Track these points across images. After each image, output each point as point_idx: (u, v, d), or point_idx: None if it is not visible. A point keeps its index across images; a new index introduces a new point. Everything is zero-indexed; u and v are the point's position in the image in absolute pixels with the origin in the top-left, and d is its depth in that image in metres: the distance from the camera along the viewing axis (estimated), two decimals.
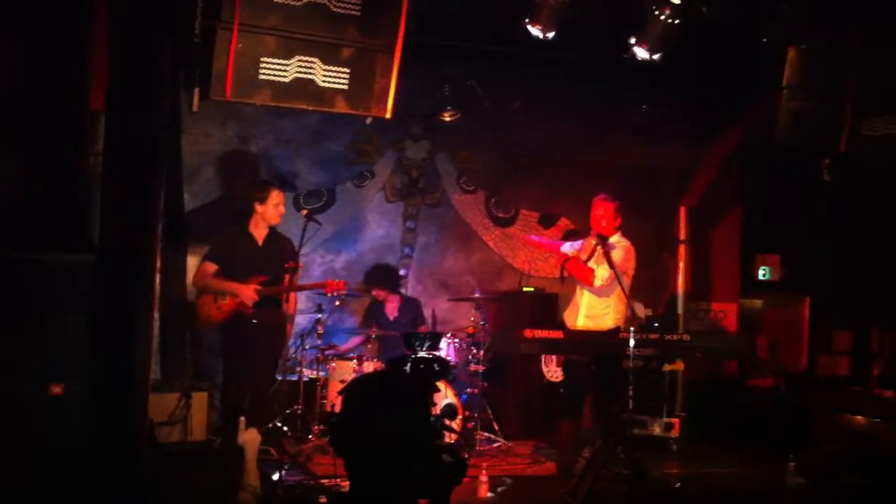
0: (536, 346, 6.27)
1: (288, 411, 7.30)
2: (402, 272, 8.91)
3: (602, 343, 6.40)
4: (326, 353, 7.54)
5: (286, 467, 6.11)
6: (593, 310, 6.83)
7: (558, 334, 6.34)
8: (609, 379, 6.49)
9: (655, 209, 9.08)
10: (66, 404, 4.91)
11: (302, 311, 7.84)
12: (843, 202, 8.96)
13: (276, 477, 5.88)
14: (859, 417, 7.65)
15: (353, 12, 6.29)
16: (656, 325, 6.77)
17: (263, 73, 6.24)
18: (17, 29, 5.40)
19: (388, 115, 6.70)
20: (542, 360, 7.84)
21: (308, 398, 7.36)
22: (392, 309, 8.36)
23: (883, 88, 7.25)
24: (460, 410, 7.43)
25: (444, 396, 7.33)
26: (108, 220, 5.02)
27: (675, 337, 6.54)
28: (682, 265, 9.20)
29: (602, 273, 6.75)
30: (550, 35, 6.86)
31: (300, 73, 6.33)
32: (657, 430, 7.94)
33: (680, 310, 9.11)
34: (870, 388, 9.29)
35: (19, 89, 5.43)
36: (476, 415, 7.61)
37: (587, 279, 6.80)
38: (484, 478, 6.09)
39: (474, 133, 8.81)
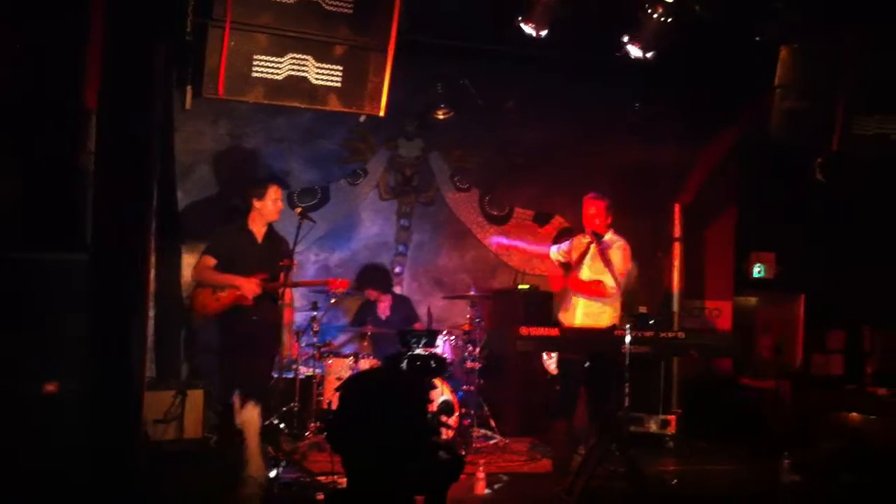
0: (532, 344, 6.28)
1: (284, 408, 7.29)
2: (396, 270, 8.91)
3: (597, 341, 6.40)
4: (322, 350, 7.53)
5: (282, 465, 6.10)
6: (590, 308, 6.83)
7: (554, 332, 6.35)
8: (604, 376, 6.50)
9: (650, 208, 9.09)
10: (62, 403, 4.89)
11: (297, 308, 7.84)
12: (837, 201, 8.98)
13: (272, 474, 5.86)
14: (854, 415, 7.67)
15: (346, 10, 6.30)
16: (651, 322, 6.76)
17: (256, 71, 6.23)
18: (17, 29, 5.38)
19: (381, 113, 6.70)
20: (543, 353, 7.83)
21: (304, 395, 7.36)
22: (384, 308, 8.36)
23: (875, 88, 7.26)
24: (457, 407, 7.44)
25: (441, 394, 7.34)
26: (102, 218, 4.99)
27: (670, 334, 6.56)
28: (676, 263, 9.21)
29: (609, 281, 6.74)
30: (543, 33, 6.87)
31: (293, 70, 6.32)
32: (653, 427, 7.95)
33: (675, 308, 9.12)
34: (863, 386, 9.31)
35: (17, 88, 5.42)
36: (472, 412, 7.62)
37: (600, 292, 6.76)
38: (481, 475, 6.09)
39: (468, 131, 8.82)
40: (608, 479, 5.97)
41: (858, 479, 6.49)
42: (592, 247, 6.84)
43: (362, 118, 7.45)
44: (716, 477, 7.15)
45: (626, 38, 7.11)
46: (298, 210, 6.78)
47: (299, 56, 6.32)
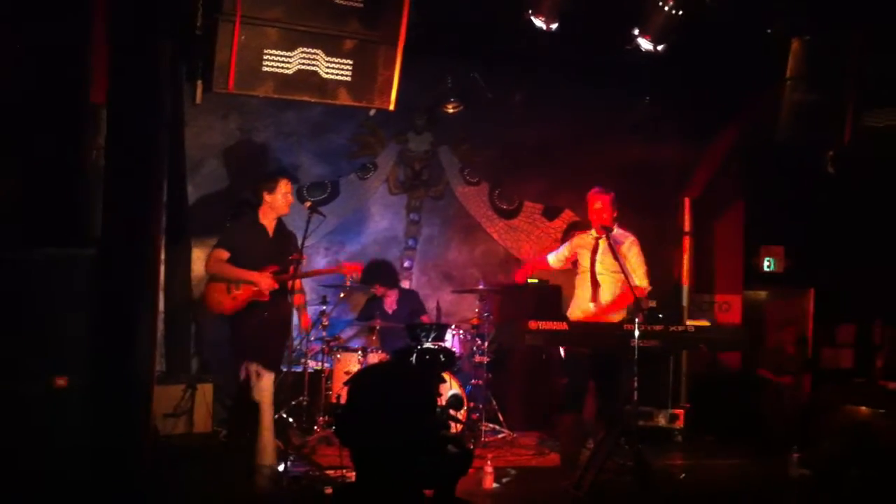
0: (541, 338, 6.28)
1: (293, 403, 7.31)
2: (406, 264, 8.92)
3: (606, 335, 6.40)
4: (331, 344, 7.55)
5: (291, 458, 6.12)
6: (601, 305, 6.85)
7: (563, 326, 6.36)
8: (612, 370, 6.51)
9: (656, 204, 9.08)
10: (70, 399, 4.88)
11: (307, 302, 7.85)
12: (847, 195, 8.95)
13: (281, 468, 5.88)
14: (864, 409, 7.65)
15: (356, 4, 6.30)
16: (660, 316, 6.76)
17: (266, 65, 6.24)
18: (18, 29, 5.39)
19: (391, 107, 6.70)
20: None
21: (313, 390, 7.37)
22: (390, 303, 8.38)
23: (886, 81, 7.23)
24: (465, 402, 7.45)
25: (450, 388, 7.35)
26: (112, 213, 5.01)
27: (679, 328, 6.55)
28: (686, 257, 9.20)
29: (644, 282, 6.84)
30: (554, 26, 6.85)
31: (303, 64, 6.32)
32: (662, 421, 7.95)
33: (684, 302, 9.11)
34: (873, 380, 9.30)
35: (17, 87, 5.42)
36: (481, 406, 7.63)
37: (641, 293, 6.79)
38: (489, 469, 6.09)
39: (477, 126, 8.81)
40: (617, 473, 5.98)
41: (866, 474, 6.48)
42: (602, 242, 6.84)
43: (372, 112, 7.44)
44: (724, 471, 7.14)
45: (636, 32, 7.09)
46: (308, 204, 6.79)
47: (309, 50, 6.32)
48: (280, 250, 6.63)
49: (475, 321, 7.90)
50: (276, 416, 6.89)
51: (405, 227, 8.94)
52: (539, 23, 6.84)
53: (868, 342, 10.01)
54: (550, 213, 9.38)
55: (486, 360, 7.72)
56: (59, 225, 5.29)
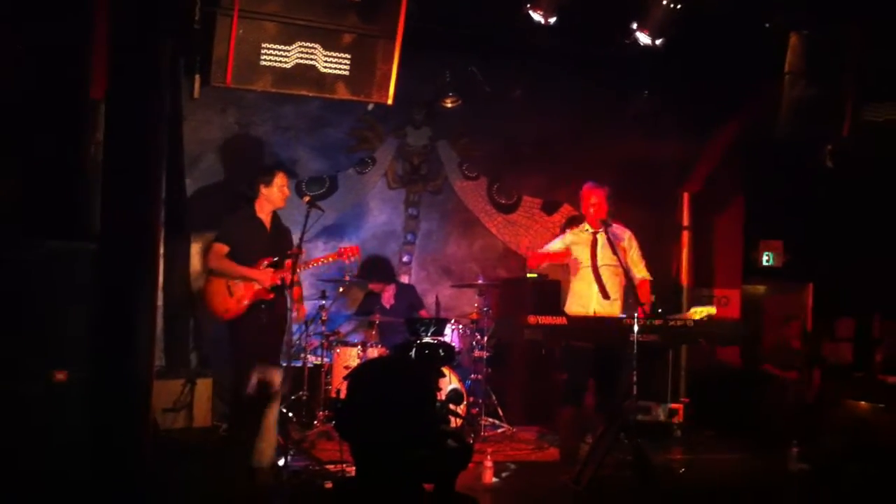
0: (540, 333, 6.27)
1: (293, 397, 7.31)
2: (404, 259, 8.91)
3: (605, 329, 6.39)
4: (331, 339, 7.54)
5: (291, 453, 6.12)
6: (602, 299, 6.85)
7: (562, 320, 6.35)
8: (612, 365, 6.50)
9: (655, 198, 9.09)
10: (70, 395, 4.87)
11: (305, 297, 7.84)
12: (846, 189, 8.95)
13: (281, 463, 5.88)
14: (863, 403, 7.65)
15: None
16: (660, 311, 6.76)
17: (264, 60, 6.23)
18: (17, 29, 5.38)
19: (389, 102, 6.70)
20: None
21: (313, 384, 7.37)
22: (388, 297, 8.37)
23: (885, 75, 7.22)
24: (465, 396, 7.45)
25: (449, 382, 7.35)
26: (111, 208, 5.01)
27: (679, 323, 6.54)
28: (685, 251, 9.19)
29: (647, 275, 6.98)
30: (552, 20, 6.85)
31: (301, 59, 6.31)
32: (661, 416, 7.95)
33: (683, 296, 9.11)
34: (873, 374, 9.30)
35: (18, 87, 5.41)
36: (480, 401, 7.63)
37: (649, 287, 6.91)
38: (489, 463, 6.09)
39: (475, 120, 8.80)
40: (616, 467, 5.98)
41: (866, 469, 6.48)
42: (601, 236, 6.84)
43: (370, 107, 7.46)
44: (723, 466, 7.15)
45: (635, 26, 7.08)
46: (307, 199, 6.78)
47: (307, 44, 6.31)
48: (277, 244, 6.63)
49: (474, 316, 7.90)
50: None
51: (404, 222, 8.93)
52: (537, 17, 6.83)
53: (867, 336, 10.01)
54: (549, 208, 9.37)
55: (485, 354, 7.71)
56: (59, 222, 5.29)
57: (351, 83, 6.52)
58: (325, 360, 7.47)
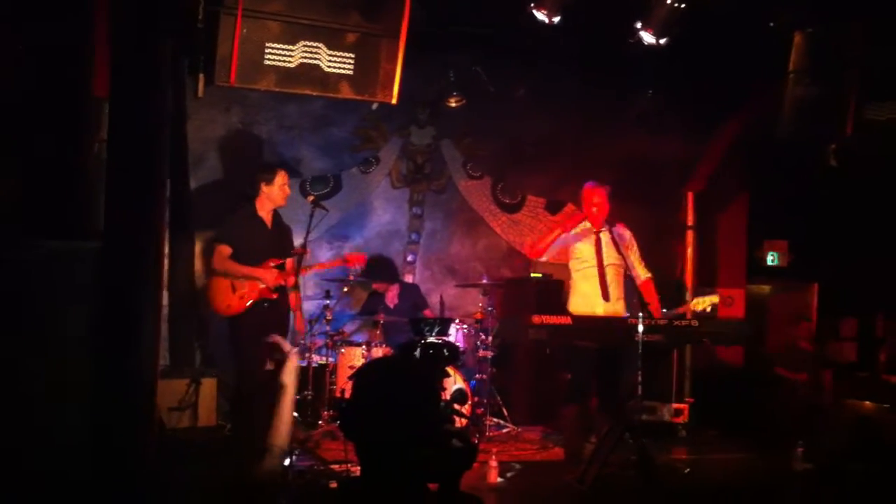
0: (545, 332, 6.26)
1: (297, 397, 7.30)
2: (409, 258, 8.91)
3: (610, 329, 6.39)
4: (335, 339, 7.54)
5: (296, 453, 6.11)
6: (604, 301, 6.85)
7: (567, 320, 6.34)
8: (616, 365, 6.50)
9: (658, 197, 9.07)
10: (72, 396, 4.86)
11: (310, 297, 7.85)
12: (850, 189, 8.93)
13: (286, 463, 5.88)
14: (867, 403, 7.64)
15: None
16: (664, 311, 6.76)
17: (268, 59, 6.24)
18: (17, 29, 5.38)
19: (393, 101, 6.70)
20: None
21: (317, 384, 7.37)
22: (391, 297, 8.37)
23: (889, 76, 7.22)
24: (469, 396, 7.44)
25: (454, 382, 7.34)
26: (115, 207, 5.00)
27: (684, 323, 6.54)
28: (689, 251, 9.18)
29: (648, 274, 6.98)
30: (556, 20, 6.84)
31: (305, 58, 6.32)
32: (666, 415, 7.94)
33: (688, 296, 9.09)
34: (877, 373, 9.29)
35: (18, 87, 5.41)
36: (485, 400, 7.63)
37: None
38: (493, 463, 6.09)
39: (479, 119, 8.80)
40: (621, 467, 5.97)
41: (870, 468, 6.47)
42: (604, 235, 6.83)
43: (374, 106, 7.46)
44: (728, 466, 7.14)
45: (639, 25, 7.08)
46: (311, 198, 6.77)
47: (311, 44, 6.32)
48: (279, 242, 6.63)
49: (479, 315, 7.89)
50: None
51: (408, 222, 8.93)
52: (541, 16, 6.83)
53: (871, 336, 10.00)
54: (553, 208, 9.36)
55: (489, 354, 7.71)
56: (59, 222, 5.28)
57: (355, 82, 6.52)
58: (330, 359, 7.47)
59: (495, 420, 7.75)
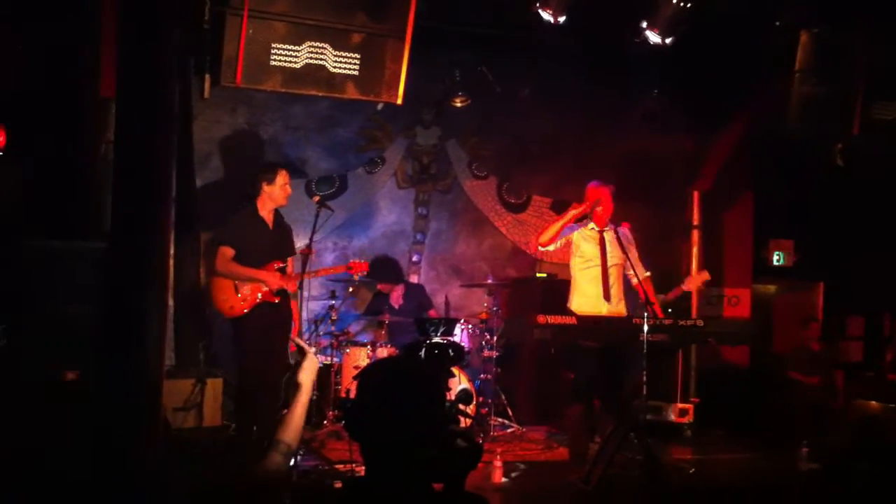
0: (550, 332, 6.25)
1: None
2: (414, 258, 8.92)
3: (615, 329, 6.38)
4: (340, 339, 7.55)
5: (301, 453, 6.12)
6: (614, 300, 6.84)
7: (572, 320, 6.33)
8: (621, 365, 6.49)
9: (664, 197, 9.06)
10: (79, 395, 4.87)
11: (315, 297, 7.85)
12: (856, 188, 8.91)
13: (290, 463, 5.88)
14: (874, 403, 7.62)
15: None
16: (669, 310, 6.75)
17: (274, 59, 6.24)
18: (18, 29, 5.40)
19: (399, 101, 6.70)
20: None
21: (322, 384, 7.37)
22: (396, 297, 8.38)
23: (895, 74, 7.20)
24: (474, 396, 7.44)
25: (459, 382, 7.35)
26: (121, 207, 5.01)
27: (689, 322, 6.52)
28: (695, 250, 9.16)
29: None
30: (561, 19, 6.84)
31: (311, 58, 6.33)
32: (671, 415, 7.93)
33: (693, 295, 9.08)
34: (883, 373, 9.27)
35: (24, 87, 5.43)
36: (490, 400, 7.63)
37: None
38: (498, 463, 6.09)
39: (485, 119, 8.81)
40: (625, 467, 5.97)
41: (876, 468, 6.46)
42: (608, 234, 6.82)
43: (380, 106, 7.46)
44: (733, 466, 7.13)
45: (644, 24, 7.07)
46: (317, 199, 6.78)
47: (317, 44, 6.32)
48: (280, 242, 6.62)
49: (484, 316, 7.90)
50: (285, 410, 6.89)
51: (413, 222, 8.94)
52: (547, 16, 6.82)
53: (878, 335, 9.98)
54: (558, 207, 9.34)
55: (494, 354, 7.71)
56: (60, 222, 5.30)
57: (360, 83, 6.53)
58: (335, 359, 7.48)
59: (500, 420, 7.75)
